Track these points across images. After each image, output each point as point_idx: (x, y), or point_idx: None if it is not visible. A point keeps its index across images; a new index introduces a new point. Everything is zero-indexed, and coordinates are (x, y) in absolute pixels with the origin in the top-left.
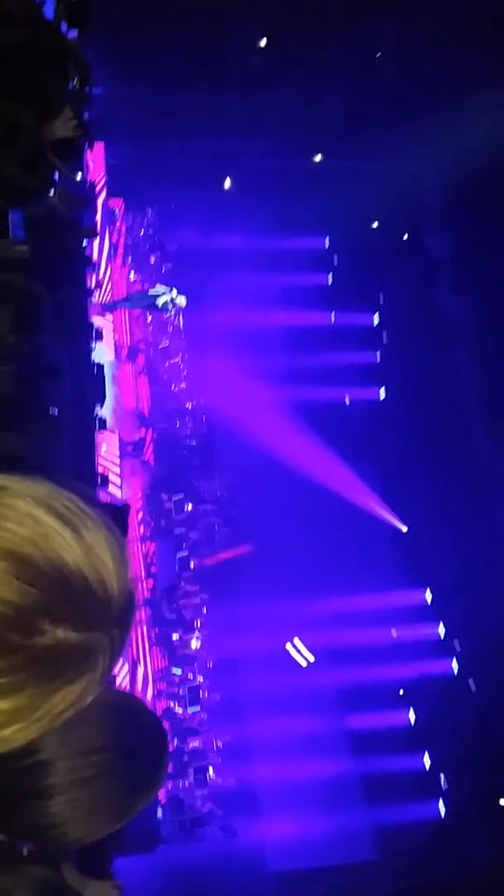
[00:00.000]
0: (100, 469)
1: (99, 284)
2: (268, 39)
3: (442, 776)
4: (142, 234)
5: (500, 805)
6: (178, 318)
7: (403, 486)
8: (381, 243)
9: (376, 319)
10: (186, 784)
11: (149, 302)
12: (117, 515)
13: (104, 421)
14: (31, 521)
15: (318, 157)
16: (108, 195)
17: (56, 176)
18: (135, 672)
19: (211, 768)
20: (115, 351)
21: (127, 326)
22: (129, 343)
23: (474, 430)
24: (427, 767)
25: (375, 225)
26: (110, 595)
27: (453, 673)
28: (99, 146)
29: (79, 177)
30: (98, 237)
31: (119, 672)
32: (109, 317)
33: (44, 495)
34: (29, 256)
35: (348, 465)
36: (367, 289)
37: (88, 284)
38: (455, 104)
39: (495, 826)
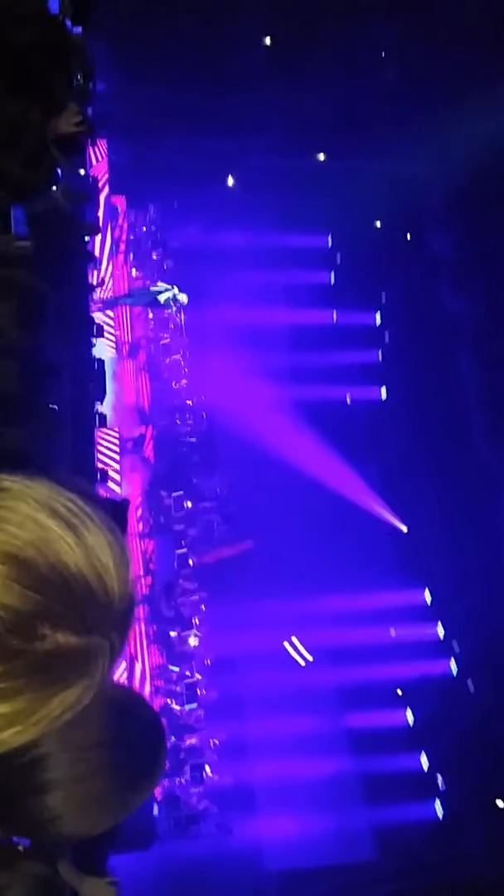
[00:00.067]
0: (99, 465)
1: (101, 281)
2: (271, 38)
3: (440, 776)
4: (144, 230)
5: (497, 806)
6: (180, 316)
7: (404, 486)
8: (384, 242)
9: (378, 318)
10: (183, 781)
11: (150, 299)
12: (117, 512)
13: (104, 417)
14: (32, 524)
15: (321, 156)
16: (111, 192)
17: (59, 172)
18: (132, 669)
19: (207, 766)
20: (116, 347)
21: (128, 323)
22: (130, 340)
23: (475, 430)
24: (425, 768)
25: (378, 224)
26: (111, 598)
27: (452, 673)
28: (102, 143)
29: (82, 172)
30: (100, 233)
31: (117, 669)
32: (111, 313)
33: (46, 497)
34: (31, 252)
35: (349, 465)
36: (369, 288)
37: (90, 281)
38: (458, 103)
39: (493, 826)
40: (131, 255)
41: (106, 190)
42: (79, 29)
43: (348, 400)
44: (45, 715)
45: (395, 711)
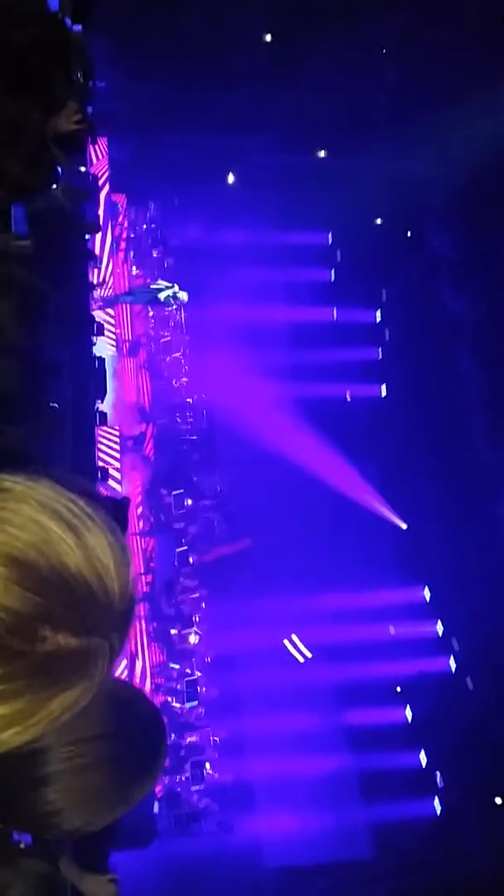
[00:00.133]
0: (100, 464)
1: (101, 279)
2: (272, 34)
3: (438, 774)
4: (144, 228)
5: (495, 803)
6: (180, 314)
7: (403, 484)
8: (385, 240)
9: (378, 316)
10: (183, 779)
11: (151, 297)
12: (117, 510)
13: (105, 415)
14: (34, 525)
15: (321, 153)
16: (111, 190)
17: (59, 170)
18: (133, 666)
19: (208, 763)
20: (117, 345)
21: (128, 321)
22: (130, 338)
23: (475, 428)
24: (424, 765)
25: (379, 221)
26: (111, 599)
27: (451, 671)
28: (102, 141)
29: (82, 169)
30: (100, 232)
31: (116, 668)
32: (111, 311)
33: (48, 498)
34: (31, 251)
35: (348, 462)
36: (369, 285)
37: (90, 279)
38: (459, 102)
39: (491, 824)
40: (132, 253)
41: (106, 188)
42: (79, 27)
43: (348, 397)
44: (45, 716)
45: (395, 709)
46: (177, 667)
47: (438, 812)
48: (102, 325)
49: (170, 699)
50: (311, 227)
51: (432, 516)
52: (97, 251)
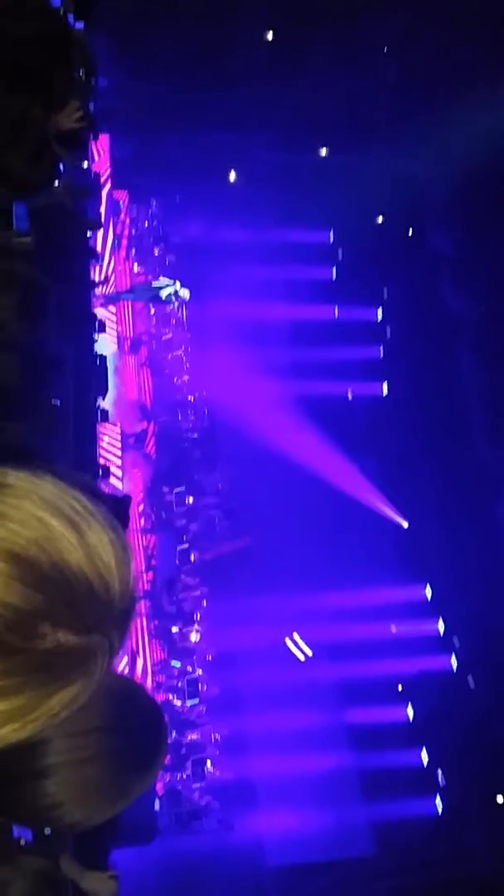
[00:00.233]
0: (101, 461)
1: (102, 276)
2: (274, 32)
3: (439, 772)
4: (146, 225)
5: (497, 802)
6: (182, 311)
7: (405, 482)
8: (386, 238)
9: (380, 314)
10: (184, 776)
11: (152, 294)
12: (118, 508)
13: (106, 413)
14: (36, 522)
15: (323, 151)
16: (113, 187)
17: (61, 167)
18: (134, 664)
19: (209, 761)
20: (118, 343)
21: (130, 318)
22: (131, 335)
23: (476, 426)
24: (425, 763)
25: (380, 220)
26: (112, 597)
27: (452, 669)
28: (104, 138)
29: (85, 165)
30: (102, 229)
31: (118, 664)
32: (112, 308)
33: (50, 495)
34: (33, 247)
35: (350, 460)
36: (371, 284)
37: (92, 276)
38: (461, 99)
39: (492, 823)
40: (133, 251)
41: (108, 185)
42: (81, 24)
43: (349, 396)
44: (44, 713)
45: (396, 707)
46: (178, 664)
47: (440, 810)
48: (104, 322)
49: (171, 697)
50: (312, 225)
51: (433, 514)
52: (98, 248)
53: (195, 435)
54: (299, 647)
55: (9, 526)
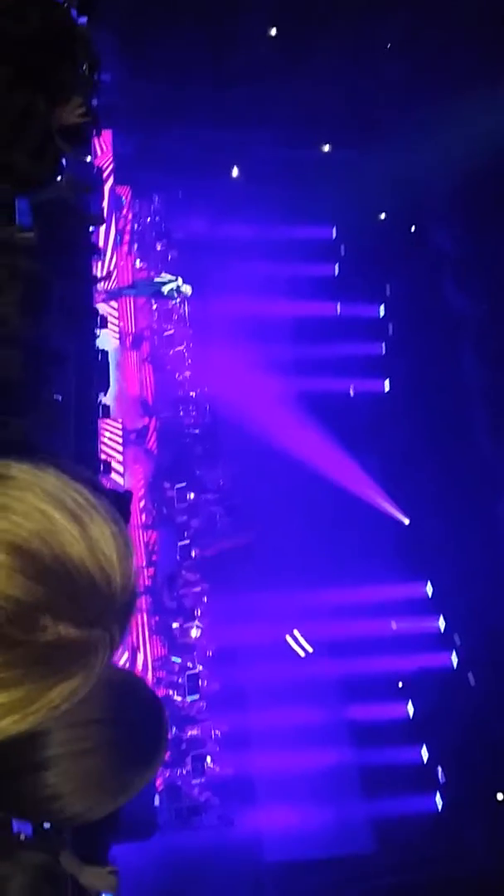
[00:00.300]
0: (103, 456)
1: (105, 272)
2: (277, 28)
3: (440, 769)
4: (148, 221)
5: (497, 799)
6: (184, 307)
7: (406, 479)
8: (389, 235)
9: (382, 311)
10: (184, 772)
11: (154, 290)
12: (120, 503)
13: (108, 408)
14: (39, 514)
15: (326, 147)
16: (116, 182)
17: (63, 162)
18: (134, 660)
19: (209, 757)
20: (120, 338)
21: (132, 314)
22: (133, 331)
23: (478, 423)
24: (425, 760)
25: (383, 216)
26: (113, 591)
27: (453, 666)
28: (107, 133)
29: (88, 159)
30: (104, 224)
31: (119, 659)
32: (114, 304)
33: (53, 487)
34: (35, 243)
35: (351, 457)
36: (373, 280)
37: (94, 271)
38: (465, 96)
39: (492, 820)
40: (135, 246)
41: (110, 180)
42: (84, 19)
43: (352, 392)
44: (44, 705)
45: (396, 704)
46: (178, 660)
47: (440, 807)
48: (106, 317)
49: (171, 693)
50: (315, 222)
51: (435, 511)
52: (101, 244)
53: (197, 431)
54: (300, 644)
55: (11, 518)
